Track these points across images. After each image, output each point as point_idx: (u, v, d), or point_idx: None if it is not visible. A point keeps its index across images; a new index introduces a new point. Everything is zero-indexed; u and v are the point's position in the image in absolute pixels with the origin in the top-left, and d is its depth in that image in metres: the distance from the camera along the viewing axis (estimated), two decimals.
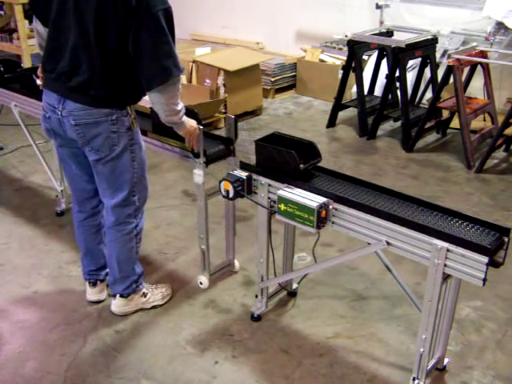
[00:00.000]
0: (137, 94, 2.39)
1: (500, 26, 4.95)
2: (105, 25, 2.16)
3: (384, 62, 5.23)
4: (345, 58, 5.26)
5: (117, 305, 2.70)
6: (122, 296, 2.68)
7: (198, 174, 2.67)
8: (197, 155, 2.63)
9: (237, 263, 3.09)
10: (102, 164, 2.39)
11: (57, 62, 2.28)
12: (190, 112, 2.57)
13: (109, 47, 2.20)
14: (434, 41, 4.93)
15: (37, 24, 2.42)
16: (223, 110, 5.23)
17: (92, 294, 2.78)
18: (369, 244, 2.15)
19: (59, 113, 2.31)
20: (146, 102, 2.47)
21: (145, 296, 2.73)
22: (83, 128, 2.30)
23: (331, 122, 5.31)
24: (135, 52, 2.19)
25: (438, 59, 5.10)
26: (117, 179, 2.43)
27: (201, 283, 2.93)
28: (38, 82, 3.39)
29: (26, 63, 6.55)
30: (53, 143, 2.65)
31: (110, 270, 2.69)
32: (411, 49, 4.67)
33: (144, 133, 2.77)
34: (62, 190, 3.59)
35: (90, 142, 2.33)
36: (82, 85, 2.25)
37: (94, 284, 2.77)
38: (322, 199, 2.16)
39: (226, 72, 5.14)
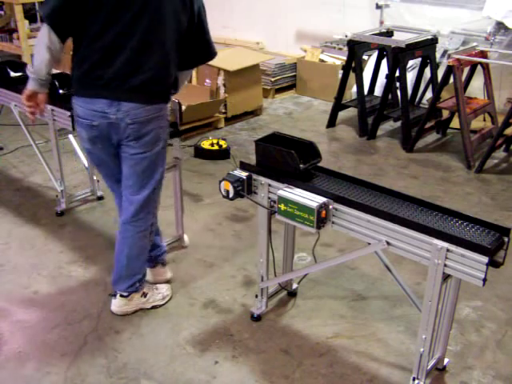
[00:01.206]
0: (176, 87, 2.52)
1: (500, 25, 4.95)
2: (178, 21, 2.32)
3: (384, 62, 5.23)
4: (345, 58, 5.25)
5: (117, 304, 2.70)
6: (122, 296, 2.68)
7: None
8: None
9: (186, 238, 3.17)
10: (142, 157, 2.44)
11: (106, 68, 2.29)
12: None
13: (174, 42, 2.35)
14: (433, 41, 4.93)
15: (55, 38, 2.25)
16: (223, 110, 5.24)
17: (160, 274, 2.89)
18: (369, 244, 2.16)
19: (113, 116, 2.34)
20: None
21: (145, 296, 2.73)
22: (139, 125, 2.37)
23: (331, 122, 5.31)
24: (200, 33, 2.45)
25: (438, 59, 5.10)
26: (151, 174, 2.50)
27: None
28: (12, 74, 3.55)
29: (27, 63, 6.56)
30: (87, 150, 2.52)
31: (116, 267, 2.67)
32: (411, 49, 4.67)
33: None
34: (62, 190, 3.59)
35: (141, 138, 2.40)
36: (143, 83, 2.32)
37: None
38: (322, 199, 2.16)
39: (226, 72, 5.14)
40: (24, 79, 3.69)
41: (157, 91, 2.38)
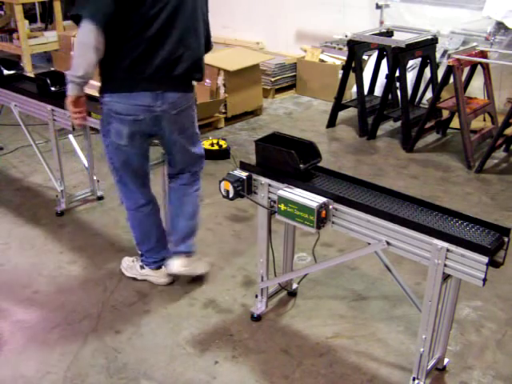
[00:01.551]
0: None
1: (500, 25, 4.94)
2: (203, 13, 2.48)
3: (384, 62, 5.23)
4: (345, 58, 5.25)
5: (184, 264, 2.80)
6: (188, 255, 2.81)
7: None
8: None
9: None
10: (185, 141, 2.64)
11: (149, 61, 2.35)
12: None
13: (203, 32, 2.50)
14: (433, 41, 4.93)
15: (102, 39, 2.25)
16: (223, 110, 5.24)
17: (164, 276, 2.90)
18: (369, 244, 2.16)
19: (158, 109, 2.42)
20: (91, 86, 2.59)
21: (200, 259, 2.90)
22: (182, 113, 2.50)
23: (331, 122, 5.31)
24: (207, 25, 2.58)
25: (438, 59, 5.10)
26: (195, 149, 2.74)
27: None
28: (6, 72, 3.62)
29: (26, 63, 6.56)
30: (119, 146, 2.54)
31: (179, 227, 2.81)
32: (411, 49, 4.67)
33: (88, 114, 2.99)
34: (61, 190, 3.59)
35: (184, 125, 2.56)
36: (187, 71, 2.44)
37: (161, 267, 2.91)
38: (322, 199, 2.16)
39: (226, 72, 5.14)
40: (17, 77, 3.74)
41: (196, 78, 2.52)
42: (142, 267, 2.90)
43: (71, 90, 2.37)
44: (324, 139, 5.03)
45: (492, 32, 4.98)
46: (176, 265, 2.80)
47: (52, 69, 3.56)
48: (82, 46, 2.26)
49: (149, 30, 2.30)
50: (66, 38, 6.08)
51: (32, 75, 3.90)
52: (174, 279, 2.94)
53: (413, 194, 2.22)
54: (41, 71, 3.66)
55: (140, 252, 2.90)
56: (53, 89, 3.35)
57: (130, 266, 2.95)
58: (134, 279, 2.94)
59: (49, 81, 3.33)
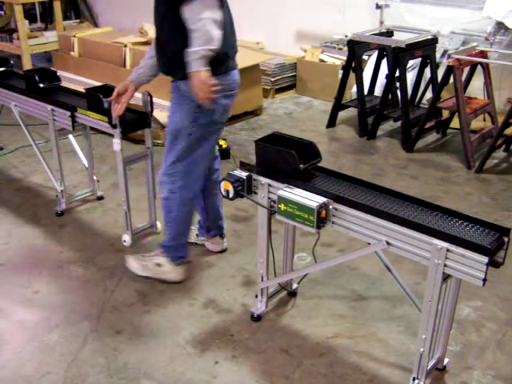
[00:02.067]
0: None
1: (500, 25, 4.94)
2: None
3: (384, 62, 5.23)
4: (345, 58, 5.25)
5: (222, 242, 3.22)
6: (223, 234, 3.21)
7: (117, 143, 2.97)
8: (114, 126, 2.91)
9: (159, 224, 3.23)
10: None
11: (230, 43, 2.55)
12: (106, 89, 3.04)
13: None
14: (434, 41, 4.93)
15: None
16: None
17: (181, 273, 2.96)
18: (369, 244, 2.16)
19: (239, 82, 2.68)
20: (79, 82, 2.61)
21: None
22: None
23: (331, 122, 5.31)
24: None
25: (438, 59, 5.10)
26: None
27: (124, 241, 3.23)
28: None
29: (26, 63, 6.56)
30: (222, 124, 2.74)
31: (217, 214, 3.14)
32: (411, 49, 4.67)
33: (74, 109, 3.20)
34: (62, 190, 3.59)
35: None
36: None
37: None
38: (322, 199, 2.16)
39: None
40: (8, 74, 3.74)
41: None
42: (158, 265, 2.89)
43: (204, 64, 2.32)
44: (324, 139, 5.03)
45: (492, 32, 4.97)
46: (220, 245, 3.20)
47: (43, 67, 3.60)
48: (211, 20, 2.30)
49: (228, 17, 2.51)
50: (66, 38, 6.06)
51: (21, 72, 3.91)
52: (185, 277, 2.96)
53: (413, 194, 2.22)
54: None
55: (167, 247, 2.88)
56: (41, 85, 3.37)
57: (143, 265, 2.92)
58: (134, 279, 2.94)
59: (37, 77, 3.36)
